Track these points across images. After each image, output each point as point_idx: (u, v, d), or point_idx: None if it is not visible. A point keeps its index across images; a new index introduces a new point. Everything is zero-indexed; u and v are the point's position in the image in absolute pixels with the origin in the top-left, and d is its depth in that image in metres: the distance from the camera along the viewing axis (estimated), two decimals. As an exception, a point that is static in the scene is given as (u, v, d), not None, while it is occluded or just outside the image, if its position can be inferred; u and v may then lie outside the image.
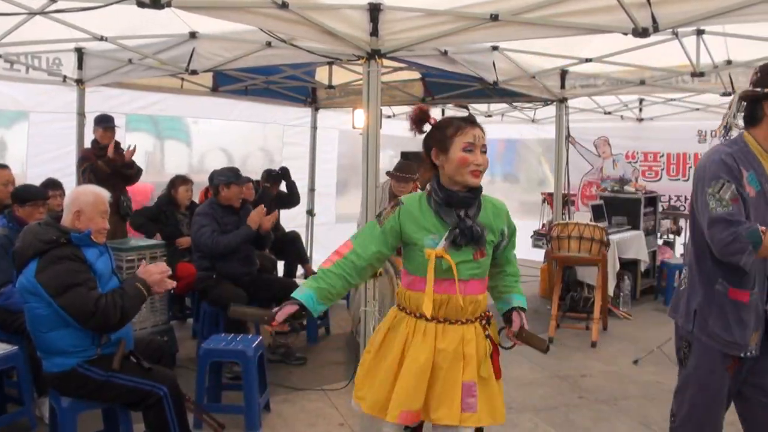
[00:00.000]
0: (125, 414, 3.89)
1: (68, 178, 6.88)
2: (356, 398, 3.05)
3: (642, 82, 7.26)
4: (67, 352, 3.64)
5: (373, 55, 5.09)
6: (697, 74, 6.24)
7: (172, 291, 6.46)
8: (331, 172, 10.79)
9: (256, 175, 8.43)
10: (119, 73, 6.80)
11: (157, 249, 6.15)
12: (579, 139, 10.85)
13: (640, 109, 10.51)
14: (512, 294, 3.12)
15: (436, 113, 11.93)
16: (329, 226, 10.56)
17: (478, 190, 2.86)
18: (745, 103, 3.04)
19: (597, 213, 8.82)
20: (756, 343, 3.04)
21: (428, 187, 2.92)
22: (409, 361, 2.85)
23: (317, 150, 10.29)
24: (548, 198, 9.79)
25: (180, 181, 7.29)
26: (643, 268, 9.18)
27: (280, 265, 8.41)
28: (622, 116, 10.57)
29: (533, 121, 11.36)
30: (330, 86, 8.51)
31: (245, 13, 4.52)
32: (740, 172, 2.89)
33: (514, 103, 9.88)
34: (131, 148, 6.95)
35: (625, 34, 4.39)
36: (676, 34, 5.59)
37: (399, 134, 11.42)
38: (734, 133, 3.08)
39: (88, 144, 7.06)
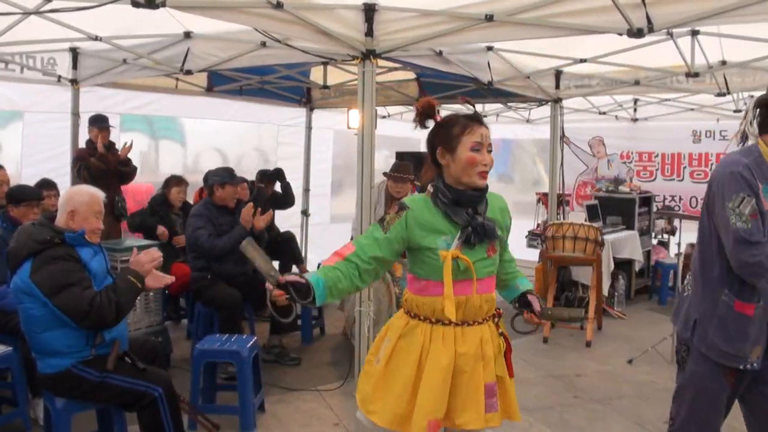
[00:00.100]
0: (120, 415, 3.89)
1: (63, 179, 6.87)
2: (366, 412, 2.86)
3: (636, 83, 7.27)
4: (61, 353, 3.63)
5: (368, 55, 5.09)
6: (692, 74, 6.24)
7: (166, 291, 6.48)
8: (326, 173, 10.79)
9: (251, 176, 8.43)
10: (114, 73, 6.79)
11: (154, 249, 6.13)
12: (574, 139, 10.86)
13: (635, 110, 10.52)
14: (517, 279, 3.08)
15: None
16: (324, 227, 10.56)
17: (485, 188, 2.79)
18: (758, 110, 3.01)
19: (592, 213, 8.83)
20: (758, 357, 3.00)
21: (430, 188, 2.83)
22: (431, 368, 2.74)
23: (312, 150, 10.29)
24: (543, 198, 9.80)
25: (174, 182, 7.28)
26: (637, 267, 9.20)
27: (275, 266, 8.39)
28: (616, 116, 10.59)
29: (528, 121, 11.37)
30: (325, 86, 8.50)
31: (240, 13, 4.52)
32: (757, 186, 2.87)
33: (509, 104, 9.89)
34: (127, 145, 6.94)
35: (620, 34, 4.39)
36: (670, 35, 5.60)
37: (394, 134, 11.46)
38: (751, 141, 3.05)
39: (82, 144, 7.04)
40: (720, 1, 4.01)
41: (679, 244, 6.63)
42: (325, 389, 5.60)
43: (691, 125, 10.30)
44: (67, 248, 3.65)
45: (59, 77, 6.95)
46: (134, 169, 7.16)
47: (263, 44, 5.86)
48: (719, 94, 7.19)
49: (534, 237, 9.35)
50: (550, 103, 8.20)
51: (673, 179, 10.58)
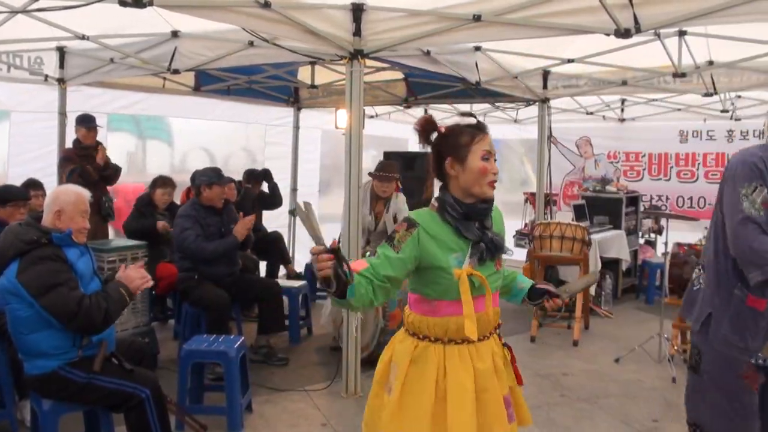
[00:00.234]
0: (107, 416, 3.87)
1: (49, 178, 6.83)
2: None
3: (624, 83, 7.30)
4: (48, 354, 3.61)
5: (356, 55, 5.10)
6: (679, 75, 6.27)
7: (153, 292, 6.46)
8: (314, 172, 10.78)
9: (239, 176, 8.41)
10: (101, 73, 6.76)
11: (139, 250, 6.11)
12: (561, 139, 10.88)
13: (622, 110, 10.56)
14: (516, 279, 3.02)
15: (418, 112, 12.00)
16: (312, 226, 10.52)
17: (492, 199, 2.72)
18: None
19: (579, 213, 8.86)
20: None
21: (434, 202, 2.72)
22: (456, 390, 2.63)
23: (300, 150, 10.29)
24: (530, 198, 9.82)
25: (159, 183, 7.24)
26: (624, 267, 9.23)
27: (262, 266, 8.39)
28: (604, 116, 10.62)
29: (516, 121, 11.39)
30: (313, 86, 8.50)
31: (228, 12, 4.51)
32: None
33: (497, 104, 9.91)
34: (101, 149, 6.89)
35: (608, 34, 4.41)
36: (658, 35, 5.62)
37: (382, 134, 11.46)
38: None
39: (69, 144, 7.01)
40: (707, 2, 4.03)
41: (666, 244, 6.64)
42: (312, 389, 5.59)
43: (678, 125, 10.36)
44: (54, 248, 3.63)
45: (46, 76, 6.91)
46: (117, 170, 7.11)
47: (251, 44, 5.86)
48: (706, 95, 7.23)
49: (521, 236, 9.38)
50: (537, 103, 8.23)
51: (660, 179, 10.62)
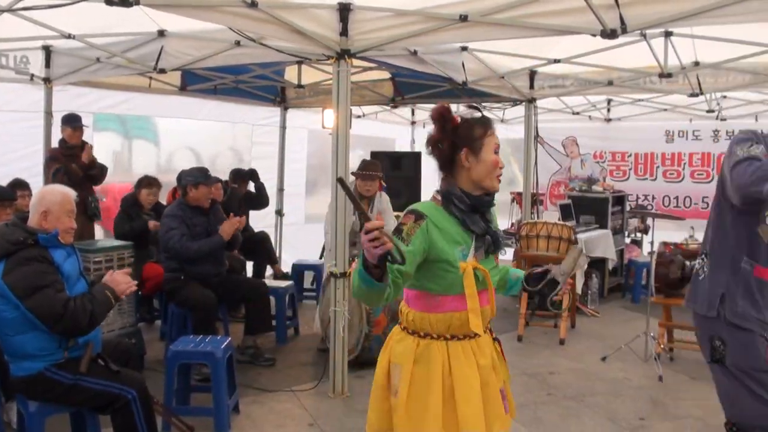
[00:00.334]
0: (93, 418, 3.86)
1: (35, 178, 6.78)
2: None
3: (610, 83, 7.33)
4: (34, 356, 3.59)
5: (343, 54, 5.09)
6: (665, 75, 6.31)
7: (139, 293, 6.43)
8: (301, 172, 10.75)
9: (225, 175, 8.39)
10: (87, 72, 6.73)
11: (125, 250, 6.07)
12: (547, 139, 10.93)
13: (608, 110, 10.61)
14: (509, 269, 3.00)
15: (405, 112, 12.00)
16: (298, 226, 10.53)
17: (496, 193, 2.73)
18: None
19: (565, 212, 8.88)
20: None
21: (437, 194, 2.68)
22: (464, 388, 2.62)
23: (286, 150, 10.26)
24: (517, 197, 9.85)
25: (145, 183, 7.21)
26: (610, 266, 9.28)
27: (249, 266, 8.38)
28: (590, 116, 10.67)
29: (502, 121, 11.42)
30: (299, 86, 8.48)
31: (214, 11, 4.50)
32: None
33: (483, 104, 9.90)
34: (87, 147, 6.85)
35: (594, 35, 4.43)
36: (644, 36, 5.65)
37: (369, 134, 11.46)
38: None
39: (55, 143, 6.97)
40: (693, 3, 4.05)
41: (652, 243, 6.67)
42: (299, 390, 5.58)
43: (664, 125, 10.43)
44: (40, 250, 3.61)
45: (32, 76, 6.86)
46: (102, 169, 7.07)
47: (237, 43, 5.84)
48: (692, 95, 7.27)
49: (508, 236, 9.39)
50: (524, 103, 8.25)
51: (646, 179, 10.68)
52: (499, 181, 2.69)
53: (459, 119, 2.68)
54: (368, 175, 6.51)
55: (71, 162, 6.68)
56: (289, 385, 5.70)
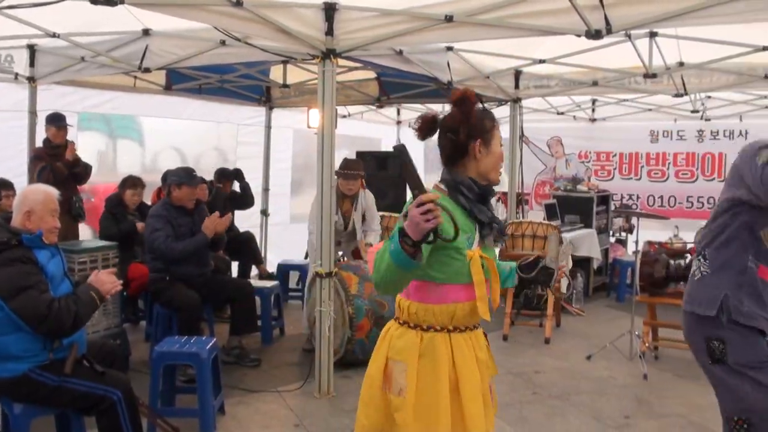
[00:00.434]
0: (78, 420, 3.84)
1: (20, 178, 6.74)
2: None
3: (595, 83, 7.36)
4: (18, 357, 3.56)
5: (328, 54, 5.09)
6: (650, 75, 6.33)
7: (124, 293, 6.40)
8: (286, 172, 10.73)
9: (210, 175, 8.36)
10: (72, 71, 6.68)
11: (110, 251, 6.05)
12: (533, 138, 10.95)
13: (593, 110, 10.65)
14: (500, 264, 2.89)
15: (391, 112, 11.99)
16: (284, 226, 10.51)
17: (497, 184, 2.76)
18: None
19: (550, 212, 8.92)
20: None
21: (441, 184, 2.66)
22: (469, 382, 2.60)
23: (272, 149, 10.25)
24: (502, 197, 9.86)
25: (129, 183, 7.17)
26: (595, 265, 9.31)
27: (234, 266, 8.36)
28: (575, 116, 10.71)
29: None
30: (285, 85, 8.46)
31: (199, 10, 4.49)
32: None
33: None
34: (71, 145, 6.81)
35: (579, 36, 4.44)
36: (629, 36, 5.67)
37: (355, 134, 11.44)
38: None
39: (39, 143, 6.92)
40: (678, 4, 4.07)
41: (636, 242, 6.70)
42: (285, 390, 5.56)
43: (648, 125, 10.49)
44: (24, 250, 3.58)
45: (16, 75, 6.82)
46: (87, 168, 7.02)
47: (222, 42, 5.82)
48: (677, 95, 7.32)
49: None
50: (509, 103, 8.27)
51: (631, 178, 10.73)
52: (500, 173, 2.71)
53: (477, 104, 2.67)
54: (350, 174, 6.51)
55: (56, 162, 6.63)
56: (274, 385, 5.68)
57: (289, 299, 8.60)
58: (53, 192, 3.86)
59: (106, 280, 3.76)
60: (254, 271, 8.76)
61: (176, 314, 5.81)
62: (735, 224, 3.04)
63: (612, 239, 10.15)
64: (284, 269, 8.59)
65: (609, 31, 4.33)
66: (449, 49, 6.62)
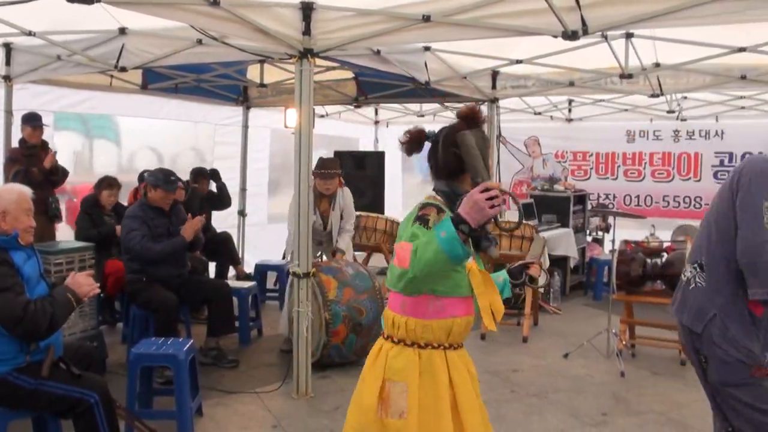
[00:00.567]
0: (55, 423, 3.80)
1: (-5, 178, 6.67)
2: None
3: (571, 84, 7.39)
4: (-5, 360, 3.53)
5: (306, 54, 5.08)
6: (626, 76, 6.37)
7: (101, 295, 6.35)
8: (263, 172, 10.69)
9: (187, 175, 8.30)
10: (48, 70, 6.61)
11: (86, 251, 5.99)
12: (510, 138, 11.00)
13: (570, 110, 10.71)
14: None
15: (369, 112, 11.98)
16: (261, 227, 10.47)
17: None
18: None
19: (527, 211, 8.95)
20: None
21: (436, 195, 2.69)
22: (466, 397, 2.62)
23: (249, 149, 10.21)
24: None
25: (105, 184, 7.11)
26: (572, 264, 9.37)
27: (212, 267, 8.32)
28: (552, 116, 10.76)
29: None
30: (262, 85, 8.43)
31: (176, 9, 4.46)
32: None
33: (446, 103, 9.96)
34: (51, 154, 6.74)
35: (555, 36, 4.46)
36: (605, 37, 5.70)
37: (333, 134, 11.43)
38: None
39: (15, 143, 6.84)
40: (653, 5, 4.10)
41: (613, 241, 6.74)
42: (263, 391, 5.55)
43: (625, 125, 10.57)
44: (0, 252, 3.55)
45: (-8, 73, 6.74)
46: (63, 174, 6.96)
47: (199, 41, 5.78)
48: (653, 95, 7.38)
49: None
50: (486, 103, 8.28)
51: (608, 178, 10.81)
52: None
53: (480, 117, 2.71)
54: (327, 174, 6.48)
55: (32, 162, 6.56)
56: (252, 386, 5.66)
57: (267, 300, 8.57)
58: (27, 191, 3.82)
59: (83, 282, 3.73)
60: (231, 271, 8.72)
61: (153, 315, 5.78)
62: (733, 248, 2.91)
63: (589, 238, 10.21)
64: (262, 270, 8.56)
65: (585, 32, 4.35)
66: (427, 49, 6.62)
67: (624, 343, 6.52)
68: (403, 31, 4.88)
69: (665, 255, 6.49)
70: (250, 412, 5.14)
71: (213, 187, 8.65)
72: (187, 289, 6.07)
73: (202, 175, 8.50)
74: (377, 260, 9.54)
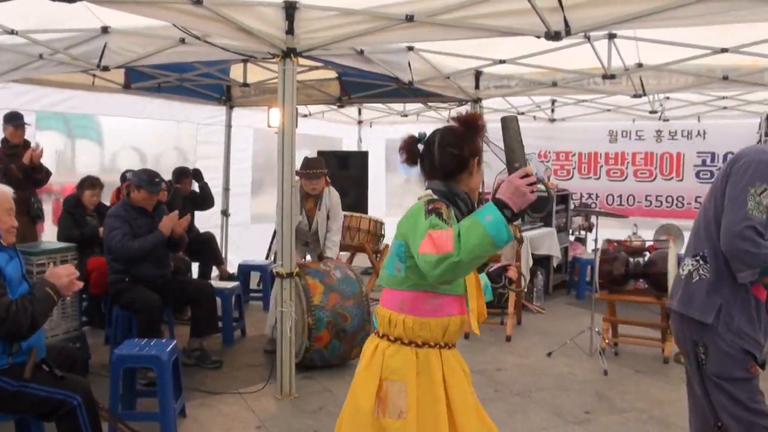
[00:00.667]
0: (38, 425, 3.77)
1: (-24, 179, 6.60)
2: None
3: (554, 84, 7.42)
4: (-23, 363, 3.50)
5: (289, 53, 5.07)
6: (608, 76, 6.40)
7: (84, 295, 6.31)
8: (246, 172, 10.65)
9: (170, 175, 8.26)
10: (30, 69, 6.53)
11: (68, 252, 5.95)
12: (493, 138, 10.83)
13: (553, 110, 10.75)
14: None
15: (352, 112, 11.98)
16: (244, 227, 10.45)
17: None
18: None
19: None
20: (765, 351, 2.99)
21: (431, 193, 2.70)
22: (461, 397, 2.63)
23: (232, 149, 10.17)
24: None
25: (88, 184, 7.06)
26: (555, 263, 9.41)
27: (195, 267, 8.28)
28: (534, 117, 10.79)
29: (448, 121, 11.43)
30: (245, 84, 8.40)
31: (159, 8, 4.44)
32: None
33: (429, 103, 9.97)
34: (38, 151, 6.69)
35: (538, 37, 4.48)
36: (588, 38, 5.73)
37: (316, 133, 11.41)
38: None
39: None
40: (636, 6, 4.12)
41: (596, 240, 6.77)
42: (246, 392, 5.53)
43: (607, 125, 10.62)
44: (-19, 254, 3.52)
45: (-26, 73, 6.67)
46: (47, 174, 6.91)
47: (182, 41, 5.76)
48: (635, 96, 7.42)
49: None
50: (469, 103, 8.29)
51: (590, 177, 10.85)
52: None
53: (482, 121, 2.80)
54: (313, 174, 6.44)
55: (13, 162, 6.51)
56: (236, 387, 5.64)
57: (251, 300, 8.55)
58: (8, 191, 3.78)
59: (62, 274, 3.66)
60: (215, 272, 8.70)
61: (136, 316, 5.75)
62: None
63: (571, 238, 10.25)
64: (245, 270, 8.53)
65: (568, 33, 4.38)
66: (410, 49, 6.62)
67: (607, 341, 6.56)
68: (387, 30, 4.88)
69: (648, 254, 6.53)
70: (233, 413, 5.13)
71: (196, 186, 8.61)
72: (170, 290, 6.04)
73: (184, 174, 8.46)
74: (361, 260, 9.53)
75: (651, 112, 9.46)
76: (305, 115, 10.79)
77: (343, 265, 6.39)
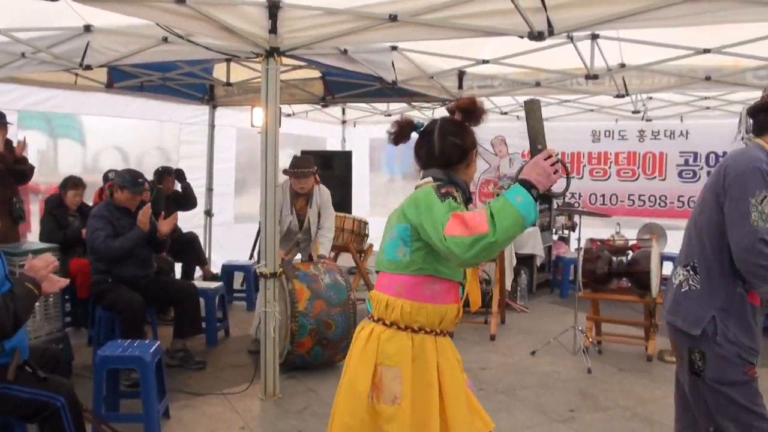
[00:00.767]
0: (21, 427, 3.74)
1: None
2: None
3: (537, 84, 7.44)
4: (-40, 364, 3.46)
5: (272, 52, 5.06)
6: (591, 77, 6.42)
7: (67, 296, 6.27)
8: (230, 171, 10.61)
9: (152, 175, 8.22)
10: (12, 68, 6.48)
11: (51, 252, 5.90)
12: (477, 138, 11.02)
13: (536, 110, 10.75)
14: None
15: (336, 111, 11.97)
16: (228, 226, 10.42)
17: None
18: (752, 118, 3.06)
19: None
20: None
21: (431, 180, 2.70)
22: (452, 384, 2.64)
23: (215, 149, 10.13)
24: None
25: (71, 184, 7.00)
26: (538, 262, 9.45)
27: (178, 267, 8.25)
28: (518, 116, 10.80)
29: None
30: (228, 84, 8.37)
31: (141, 6, 4.43)
32: None
33: (413, 103, 9.98)
34: (22, 142, 6.64)
35: (521, 37, 4.49)
36: (571, 38, 5.75)
37: (299, 133, 11.39)
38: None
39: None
40: (619, 7, 4.14)
41: (579, 240, 6.81)
42: (230, 393, 5.51)
43: (590, 125, 10.67)
44: (-37, 255, 3.49)
45: (-45, 71, 6.60)
46: (31, 168, 6.85)
47: (165, 39, 5.73)
48: (618, 96, 7.46)
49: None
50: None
51: (573, 177, 10.85)
52: None
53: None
54: (301, 173, 6.41)
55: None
56: (220, 388, 5.62)
57: (234, 300, 8.52)
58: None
59: (40, 266, 3.61)
60: (198, 272, 8.66)
61: (119, 317, 5.71)
62: (725, 243, 2.92)
63: (555, 237, 10.29)
64: (229, 270, 8.51)
65: (551, 33, 4.39)
66: (394, 48, 6.63)
67: (590, 340, 6.59)
68: (370, 30, 4.88)
69: (630, 253, 6.56)
70: (217, 414, 5.11)
71: (178, 186, 8.57)
72: (153, 290, 6.01)
73: (167, 174, 8.42)
74: (344, 260, 9.52)
75: (634, 112, 9.53)
76: (289, 115, 10.77)
77: (334, 269, 6.29)
